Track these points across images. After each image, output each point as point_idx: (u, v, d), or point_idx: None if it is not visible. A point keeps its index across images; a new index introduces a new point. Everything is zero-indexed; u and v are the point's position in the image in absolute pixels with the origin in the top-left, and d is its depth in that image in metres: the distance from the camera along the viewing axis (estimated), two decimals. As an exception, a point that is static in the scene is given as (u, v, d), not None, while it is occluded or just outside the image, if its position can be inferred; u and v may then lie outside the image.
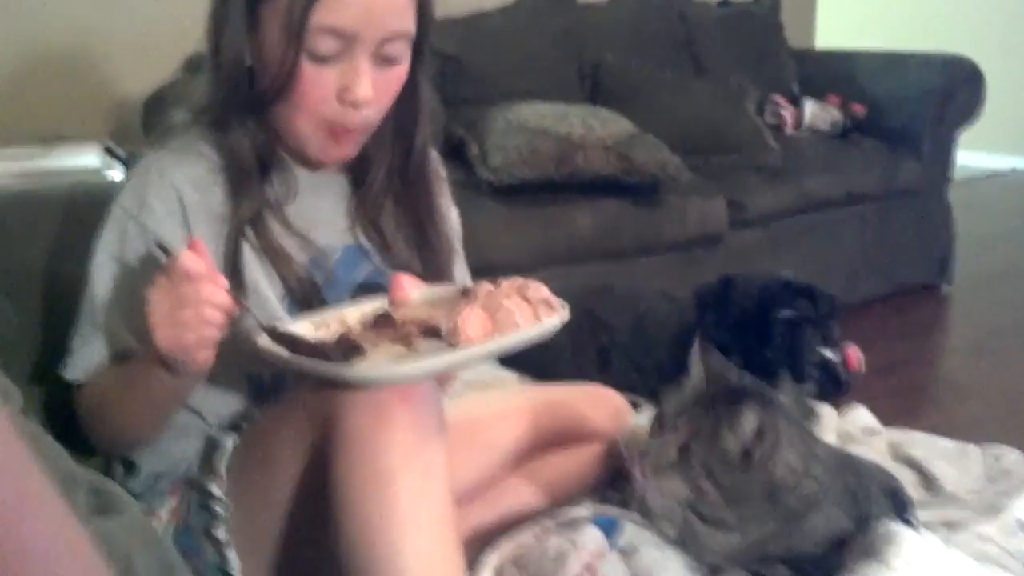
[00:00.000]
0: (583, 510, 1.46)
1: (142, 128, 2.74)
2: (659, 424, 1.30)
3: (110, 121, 2.86)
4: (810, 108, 3.78)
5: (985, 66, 3.60)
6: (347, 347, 1.12)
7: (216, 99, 1.32)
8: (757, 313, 2.14)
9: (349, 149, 1.35)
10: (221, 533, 1.24)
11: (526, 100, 3.05)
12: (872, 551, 1.22)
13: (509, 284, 1.16)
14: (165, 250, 1.19)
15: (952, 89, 3.55)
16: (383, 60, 1.27)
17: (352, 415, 1.11)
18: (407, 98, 1.37)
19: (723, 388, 1.28)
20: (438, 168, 1.53)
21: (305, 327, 1.22)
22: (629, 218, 2.89)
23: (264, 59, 1.26)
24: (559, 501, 1.57)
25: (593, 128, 2.87)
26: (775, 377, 2.03)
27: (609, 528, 1.39)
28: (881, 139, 3.63)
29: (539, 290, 1.16)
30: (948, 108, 3.56)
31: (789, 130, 3.77)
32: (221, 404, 1.34)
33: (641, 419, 1.55)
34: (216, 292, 1.11)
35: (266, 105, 1.29)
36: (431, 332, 1.16)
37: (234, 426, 1.33)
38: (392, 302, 1.27)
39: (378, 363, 1.12)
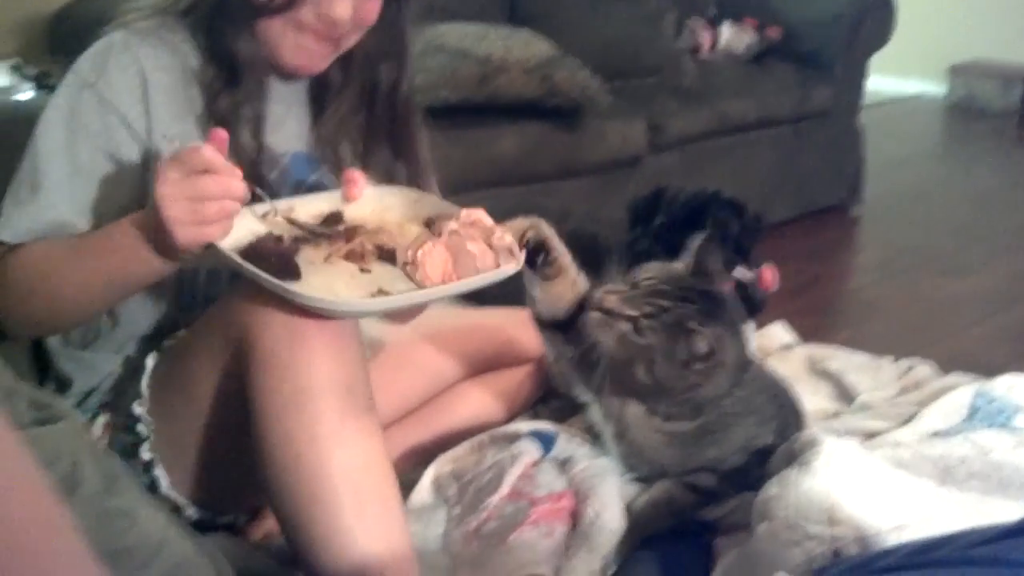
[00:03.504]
0: (519, 425, 1.50)
1: (49, 46, 2.64)
2: (631, 282, 1.31)
3: (17, 40, 2.75)
4: (726, 31, 3.80)
5: (895, -9, 3.66)
6: (284, 266, 1.10)
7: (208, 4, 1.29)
8: (686, 222, 2.18)
9: (319, 62, 1.33)
10: (146, 453, 1.24)
11: (445, 19, 3.01)
12: (793, 456, 1.28)
13: (474, 224, 1.16)
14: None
15: (864, 13, 3.59)
16: None
17: (267, 336, 1.10)
18: (385, 29, 1.36)
19: (705, 291, 1.29)
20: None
21: (249, 218, 1.19)
22: (551, 141, 2.89)
23: None
24: (500, 416, 1.61)
25: (513, 49, 2.85)
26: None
27: (545, 440, 1.43)
28: (795, 62, 3.67)
29: (503, 238, 1.17)
30: (860, 32, 3.61)
31: (705, 53, 3.79)
32: (152, 319, 1.33)
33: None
34: (237, 183, 1.09)
35: (263, 15, 1.26)
36: (386, 256, 1.16)
37: (155, 344, 1.31)
38: (344, 198, 1.27)
39: (331, 288, 1.10)
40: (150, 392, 1.26)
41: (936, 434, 1.50)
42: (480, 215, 1.18)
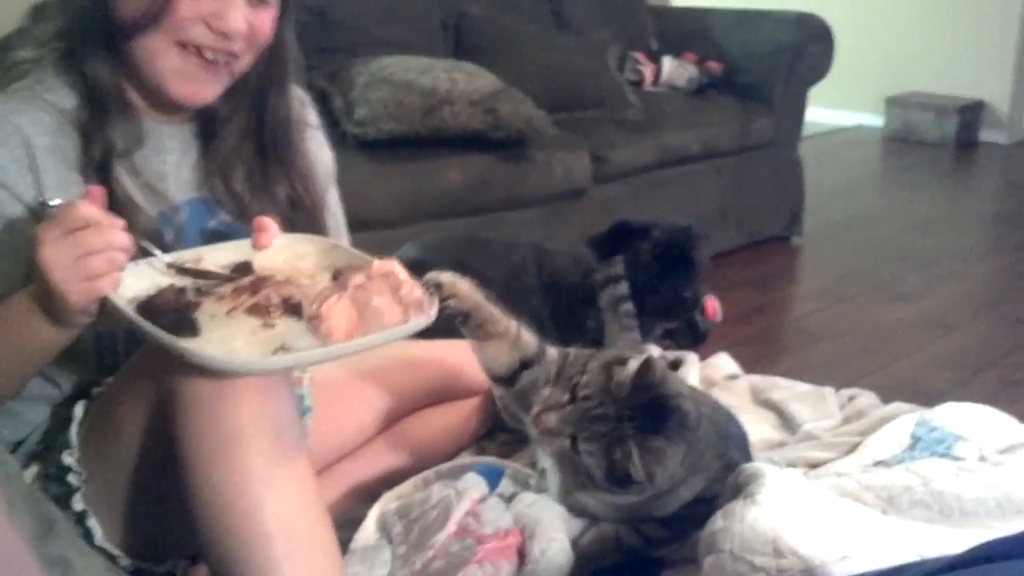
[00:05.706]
0: (465, 459, 1.49)
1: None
2: (570, 394, 1.27)
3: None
4: (668, 65, 3.85)
5: (833, 24, 3.72)
6: (181, 321, 1.05)
7: (68, 29, 1.27)
8: (677, 256, 2.19)
9: (209, 88, 1.31)
10: (78, 503, 1.20)
11: (389, 52, 3.02)
12: (738, 488, 1.28)
13: (382, 279, 1.11)
14: (44, 204, 1.12)
15: (803, 46, 3.66)
16: (256, 0, 1.28)
17: (190, 382, 1.06)
18: (272, 57, 1.36)
19: (647, 403, 1.25)
20: (307, 116, 1.51)
21: (152, 270, 1.15)
22: (496, 173, 2.90)
23: None
24: (447, 450, 1.59)
25: (458, 82, 2.86)
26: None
27: (491, 475, 1.42)
28: (736, 95, 3.72)
29: (412, 292, 1.12)
30: (799, 65, 3.67)
31: (648, 86, 3.84)
32: (76, 373, 1.30)
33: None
34: (120, 234, 1.06)
35: (127, 35, 1.24)
36: (293, 309, 1.10)
37: (84, 393, 1.28)
38: (255, 247, 1.22)
39: (230, 344, 1.05)
40: (80, 441, 1.22)
41: (879, 463, 1.51)
42: (393, 267, 1.13)
